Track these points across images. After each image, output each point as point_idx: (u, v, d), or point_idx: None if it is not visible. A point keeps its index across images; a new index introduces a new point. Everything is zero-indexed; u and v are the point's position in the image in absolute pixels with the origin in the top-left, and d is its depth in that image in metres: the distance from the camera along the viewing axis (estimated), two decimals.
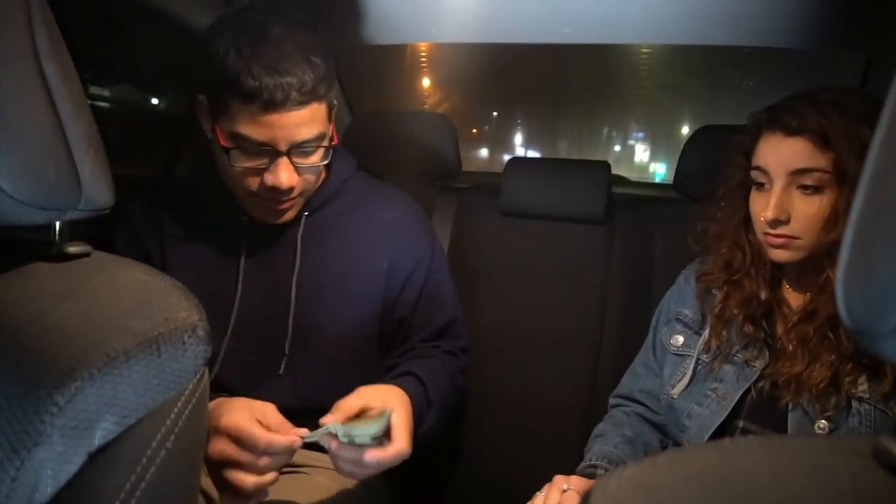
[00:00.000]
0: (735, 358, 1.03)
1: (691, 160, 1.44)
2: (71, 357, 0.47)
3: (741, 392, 1.00)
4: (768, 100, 0.99)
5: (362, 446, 0.85)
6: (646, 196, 1.69)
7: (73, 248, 0.59)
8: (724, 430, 1.00)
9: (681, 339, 1.11)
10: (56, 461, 0.45)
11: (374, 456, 0.85)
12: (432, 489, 1.44)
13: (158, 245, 1.09)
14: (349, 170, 1.18)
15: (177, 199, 1.13)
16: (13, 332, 0.48)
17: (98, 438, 0.47)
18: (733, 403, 1.00)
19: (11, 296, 0.52)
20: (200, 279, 1.06)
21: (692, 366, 1.07)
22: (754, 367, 1.00)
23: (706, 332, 1.07)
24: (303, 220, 1.10)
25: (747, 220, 1.03)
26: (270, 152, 0.95)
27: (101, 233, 1.09)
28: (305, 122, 0.95)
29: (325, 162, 1.03)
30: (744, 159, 1.01)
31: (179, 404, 0.54)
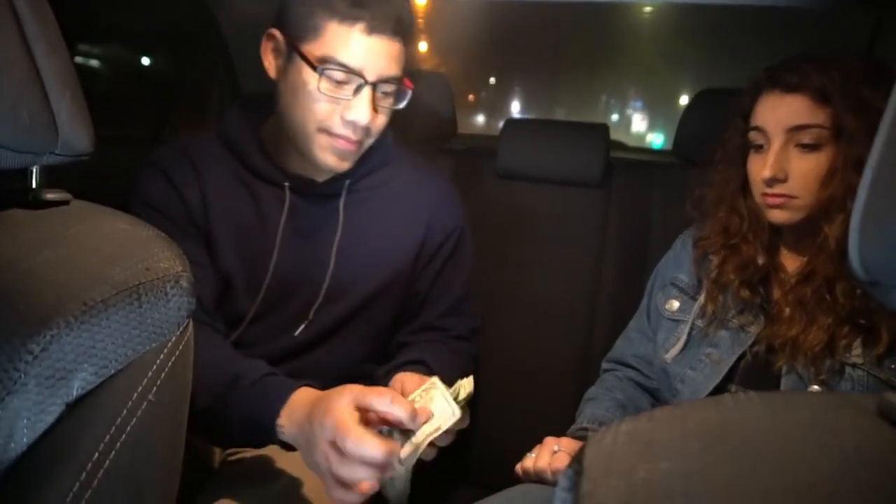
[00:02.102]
0: (730, 323, 1.02)
1: (692, 124, 1.42)
2: (47, 305, 0.45)
3: (735, 357, 0.99)
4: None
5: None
6: (644, 160, 1.66)
7: (51, 196, 0.57)
8: (716, 395, 1.00)
9: (676, 304, 1.10)
10: (32, 410, 0.43)
11: None
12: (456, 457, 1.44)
13: (199, 199, 1.05)
14: (387, 138, 1.16)
15: (212, 157, 1.08)
16: None
17: (76, 388, 0.45)
18: (727, 368, 0.99)
19: None
20: (240, 241, 1.05)
21: (687, 331, 1.06)
22: (749, 332, 1.00)
23: (702, 298, 1.06)
24: (345, 187, 1.08)
25: (745, 186, 1.02)
26: (357, 82, 0.94)
27: (135, 186, 1.04)
28: (395, 56, 0.96)
29: (402, 105, 1.02)
30: (742, 122, 1.00)
31: (162, 356, 0.52)
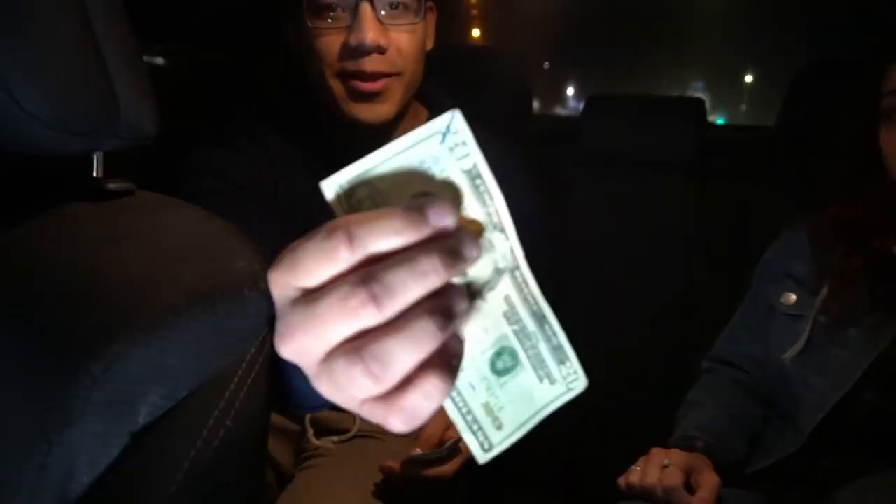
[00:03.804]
0: (861, 321, 0.89)
1: (798, 99, 1.28)
2: (109, 317, 0.38)
3: (869, 360, 0.87)
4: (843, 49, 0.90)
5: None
6: (743, 139, 1.54)
7: (114, 185, 0.49)
8: (847, 404, 0.87)
9: (793, 297, 0.98)
10: (93, 444, 0.36)
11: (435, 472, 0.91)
12: (507, 457, 1.37)
13: (290, 183, 0.97)
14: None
15: (277, 136, 1.00)
16: (40, 287, 0.39)
17: (143, 415, 0.38)
18: (860, 373, 0.87)
19: (41, 241, 0.42)
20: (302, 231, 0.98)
21: (808, 328, 0.94)
22: (885, 331, 0.87)
23: (824, 291, 0.94)
24: None
25: (871, 167, 0.90)
26: (351, 5, 0.87)
27: (222, 159, 0.97)
28: None
29: (419, 21, 0.92)
30: (866, 97, 0.89)
31: (241, 372, 0.44)
